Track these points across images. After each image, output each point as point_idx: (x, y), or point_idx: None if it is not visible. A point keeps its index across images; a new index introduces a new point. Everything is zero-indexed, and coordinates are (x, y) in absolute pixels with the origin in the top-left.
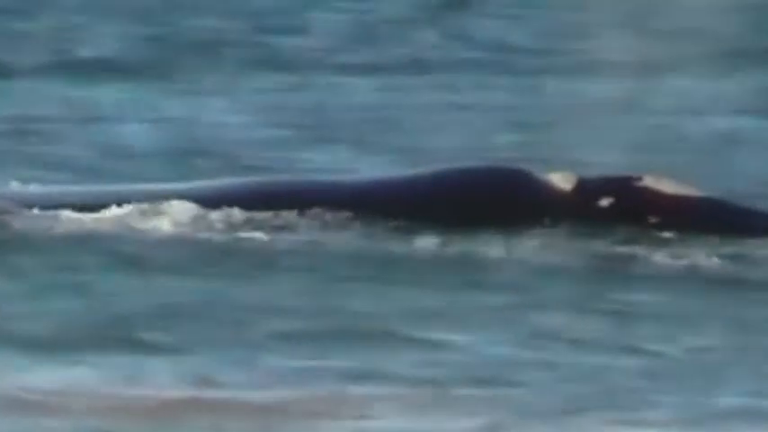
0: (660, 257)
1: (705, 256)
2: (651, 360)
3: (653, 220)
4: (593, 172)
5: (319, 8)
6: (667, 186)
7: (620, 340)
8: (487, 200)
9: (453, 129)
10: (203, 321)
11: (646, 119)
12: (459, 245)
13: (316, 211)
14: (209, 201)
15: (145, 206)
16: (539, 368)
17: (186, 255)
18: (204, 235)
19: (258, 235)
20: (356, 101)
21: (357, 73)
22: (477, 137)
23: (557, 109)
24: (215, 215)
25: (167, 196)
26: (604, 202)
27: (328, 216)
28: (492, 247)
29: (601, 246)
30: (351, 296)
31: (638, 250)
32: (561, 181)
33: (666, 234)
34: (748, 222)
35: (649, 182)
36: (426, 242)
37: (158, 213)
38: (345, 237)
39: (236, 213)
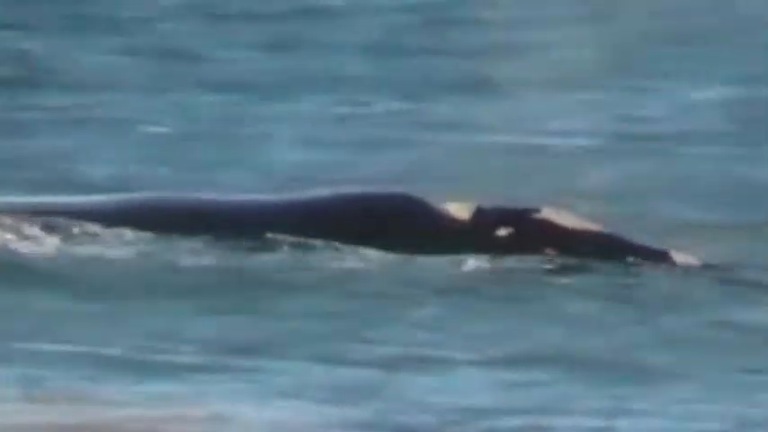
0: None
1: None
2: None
3: (549, 251)
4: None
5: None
6: (566, 219)
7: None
8: (383, 226)
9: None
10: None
11: (469, 138)
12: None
13: (181, 231)
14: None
15: None
16: (360, 391)
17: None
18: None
19: (109, 252)
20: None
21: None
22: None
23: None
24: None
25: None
26: (502, 232)
27: (185, 237)
28: (328, 269)
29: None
30: (170, 317)
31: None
32: (458, 210)
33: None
34: (642, 258)
35: (547, 214)
36: (273, 263)
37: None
38: (191, 257)
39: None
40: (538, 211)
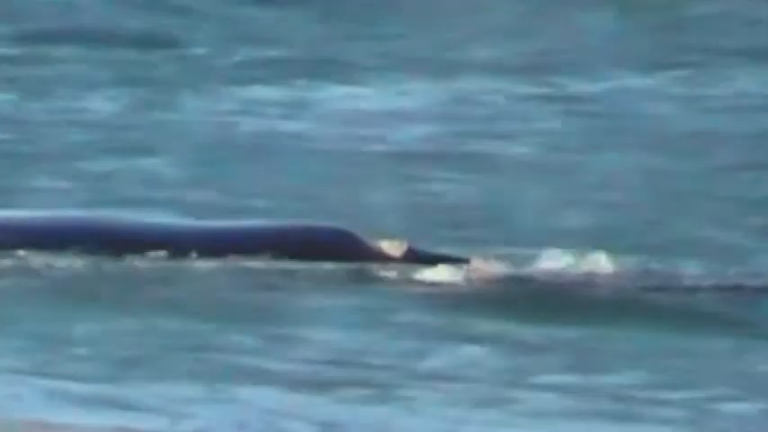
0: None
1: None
2: None
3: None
4: None
5: None
6: (492, 267)
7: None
8: (311, 258)
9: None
10: None
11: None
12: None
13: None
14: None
15: None
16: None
17: None
18: None
19: None
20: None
21: None
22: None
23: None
24: None
25: None
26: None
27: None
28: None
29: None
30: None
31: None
32: (390, 248)
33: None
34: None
35: (477, 263)
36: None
37: None
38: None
39: None
40: (467, 261)
